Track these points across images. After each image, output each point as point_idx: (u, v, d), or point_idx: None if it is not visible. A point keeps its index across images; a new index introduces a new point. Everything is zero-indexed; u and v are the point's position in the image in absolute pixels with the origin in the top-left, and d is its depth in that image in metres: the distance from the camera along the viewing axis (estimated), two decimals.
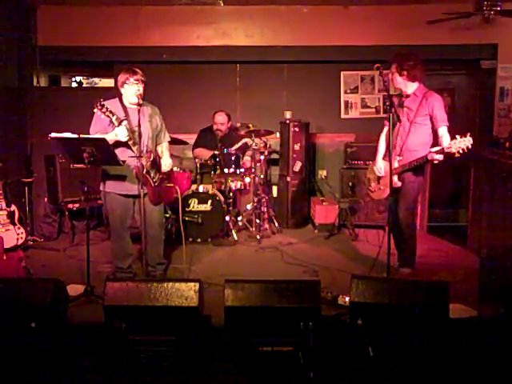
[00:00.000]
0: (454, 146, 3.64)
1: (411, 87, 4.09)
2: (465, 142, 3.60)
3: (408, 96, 4.11)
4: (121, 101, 3.96)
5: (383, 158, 4.30)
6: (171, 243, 4.92)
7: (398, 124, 4.04)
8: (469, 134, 3.62)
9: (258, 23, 6.28)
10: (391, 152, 3.80)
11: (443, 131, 3.96)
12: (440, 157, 3.80)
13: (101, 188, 4.01)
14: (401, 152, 4.09)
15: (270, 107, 6.43)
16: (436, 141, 4.02)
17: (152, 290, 3.02)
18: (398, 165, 4.06)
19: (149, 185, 3.93)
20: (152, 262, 4.13)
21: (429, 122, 4.03)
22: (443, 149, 3.75)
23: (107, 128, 3.84)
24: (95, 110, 3.69)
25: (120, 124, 3.73)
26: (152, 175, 3.98)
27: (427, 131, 4.06)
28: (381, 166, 4.29)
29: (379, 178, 4.33)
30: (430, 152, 3.85)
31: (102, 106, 3.65)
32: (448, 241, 5.46)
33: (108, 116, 3.69)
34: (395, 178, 4.01)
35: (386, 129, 4.33)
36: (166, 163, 4.14)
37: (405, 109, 4.10)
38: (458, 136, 3.64)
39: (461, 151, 3.62)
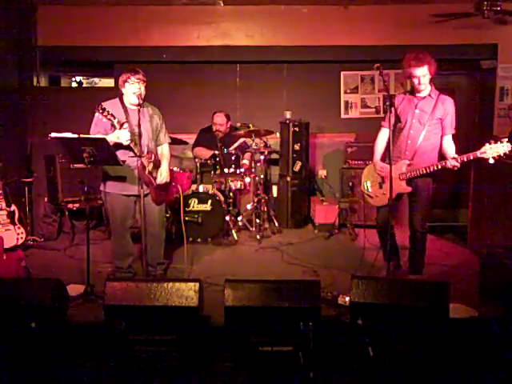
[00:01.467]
0: (489, 151, 3.52)
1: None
2: (503, 148, 3.50)
3: (423, 98, 3.93)
4: (121, 101, 3.96)
5: (382, 161, 4.08)
6: (171, 243, 4.92)
7: (408, 127, 3.89)
8: (506, 139, 3.50)
9: (258, 23, 6.28)
10: (391, 154, 3.63)
11: (449, 139, 3.88)
12: (458, 164, 3.68)
13: (101, 188, 4.01)
14: (413, 156, 3.90)
15: (270, 107, 6.43)
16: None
17: (152, 290, 3.02)
18: (405, 169, 3.89)
19: (151, 185, 3.93)
20: (152, 261, 4.13)
21: (440, 125, 3.90)
22: (475, 154, 3.59)
23: (108, 130, 3.83)
24: (96, 114, 3.68)
25: (121, 127, 3.73)
26: (154, 175, 3.98)
27: (438, 134, 3.92)
28: (383, 165, 4.01)
29: (380, 183, 4.09)
30: (452, 159, 3.70)
31: (103, 109, 3.65)
32: (448, 241, 5.47)
33: (109, 119, 3.69)
34: (403, 183, 3.88)
35: (383, 131, 4.11)
36: (163, 175, 4.03)
37: (417, 111, 3.90)
38: (492, 141, 3.51)
39: (497, 157, 3.53)
